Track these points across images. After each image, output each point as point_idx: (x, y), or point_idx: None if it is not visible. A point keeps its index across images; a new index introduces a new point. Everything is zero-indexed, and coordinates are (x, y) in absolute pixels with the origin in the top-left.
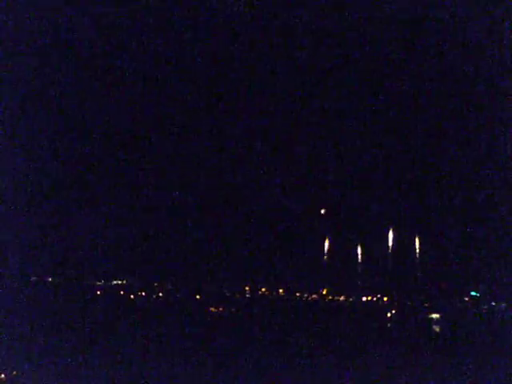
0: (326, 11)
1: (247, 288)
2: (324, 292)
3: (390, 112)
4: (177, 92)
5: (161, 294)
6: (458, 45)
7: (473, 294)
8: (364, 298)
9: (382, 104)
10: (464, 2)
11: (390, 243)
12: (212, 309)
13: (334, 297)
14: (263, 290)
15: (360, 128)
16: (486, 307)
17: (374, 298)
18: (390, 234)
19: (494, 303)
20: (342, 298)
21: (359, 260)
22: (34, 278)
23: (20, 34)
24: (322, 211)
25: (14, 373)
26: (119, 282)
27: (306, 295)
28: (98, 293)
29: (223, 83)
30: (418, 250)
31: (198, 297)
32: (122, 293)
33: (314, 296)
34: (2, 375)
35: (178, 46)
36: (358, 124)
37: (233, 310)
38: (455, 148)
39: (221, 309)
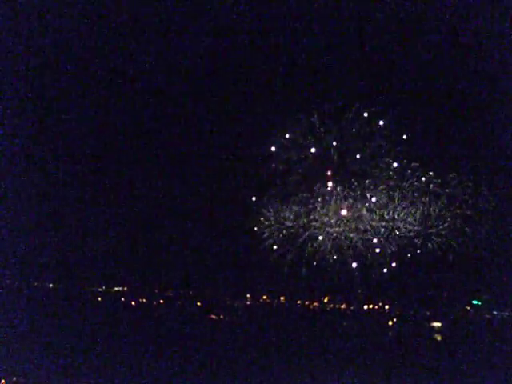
0: None
1: (248, 295)
2: (325, 300)
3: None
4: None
5: (161, 301)
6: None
7: (474, 302)
8: (365, 307)
9: None
10: None
11: (391, 251)
12: (213, 316)
13: (335, 305)
14: (264, 297)
15: None
16: (487, 316)
17: (376, 307)
18: (392, 241)
19: (495, 312)
20: (343, 306)
21: (360, 269)
22: (35, 284)
23: (20, 33)
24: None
25: (14, 379)
26: (120, 289)
27: (307, 303)
28: (99, 299)
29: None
30: (419, 259)
31: (198, 304)
32: (122, 299)
33: (315, 304)
34: (3, 381)
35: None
36: None
37: (234, 317)
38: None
39: (221, 316)
